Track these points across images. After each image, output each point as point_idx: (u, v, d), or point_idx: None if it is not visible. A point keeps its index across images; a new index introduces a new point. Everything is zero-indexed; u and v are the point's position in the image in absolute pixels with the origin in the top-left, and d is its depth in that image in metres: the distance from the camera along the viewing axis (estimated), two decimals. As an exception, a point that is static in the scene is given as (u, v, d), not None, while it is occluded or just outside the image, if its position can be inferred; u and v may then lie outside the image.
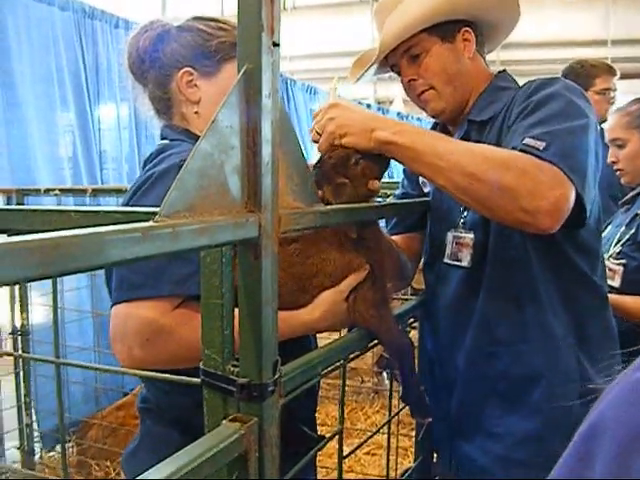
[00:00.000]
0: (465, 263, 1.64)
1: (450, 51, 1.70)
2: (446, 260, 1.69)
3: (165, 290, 1.22)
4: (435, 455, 1.96)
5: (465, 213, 1.65)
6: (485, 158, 1.34)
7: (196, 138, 1.51)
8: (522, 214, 1.31)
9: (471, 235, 1.63)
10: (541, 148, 1.34)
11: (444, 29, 1.69)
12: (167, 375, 1.07)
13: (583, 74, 3.46)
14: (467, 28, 1.72)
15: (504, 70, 1.82)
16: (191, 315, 1.21)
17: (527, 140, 1.37)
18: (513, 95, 1.65)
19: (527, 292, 1.58)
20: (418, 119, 13.01)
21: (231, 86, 1.52)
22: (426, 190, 1.86)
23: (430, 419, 1.50)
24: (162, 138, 1.58)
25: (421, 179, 1.88)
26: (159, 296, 1.21)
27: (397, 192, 2.06)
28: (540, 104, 1.49)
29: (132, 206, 1.31)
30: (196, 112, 1.55)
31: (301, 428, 1.39)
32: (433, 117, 1.76)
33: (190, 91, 1.54)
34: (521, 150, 1.36)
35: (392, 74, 1.84)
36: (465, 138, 1.67)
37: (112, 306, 1.27)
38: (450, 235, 1.68)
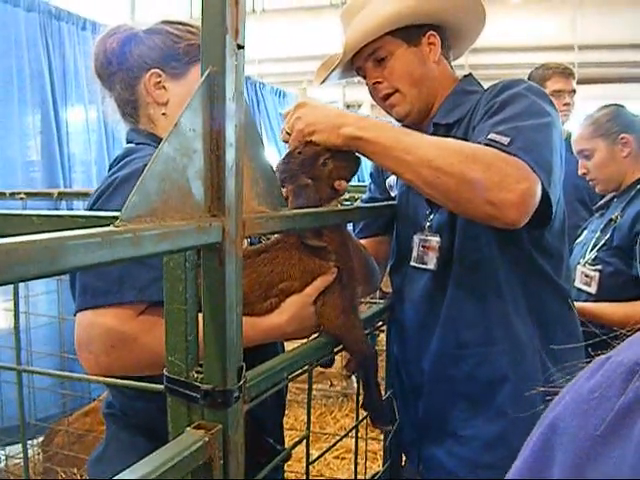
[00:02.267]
0: (431, 266, 1.65)
1: (415, 54, 1.71)
2: (412, 263, 1.70)
3: (128, 297, 1.21)
4: (404, 459, 1.96)
5: (431, 217, 1.66)
6: (451, 151, 1.35)
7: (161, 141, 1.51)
8: (488, 207, 1.31)
9: (437, 238, 1.63)
10: (506, 143, 1.36)
11: (409, 33, 1.70)
12: (130, 382, 1.06)
13: (537, 77, 3.49)
14: (432, 32, 1.72)
15: (469, 74, 1.84)
16: (155, 321, 1.20)
17: (492, 135, 1.39)
18: (479, 98, 1.65)
19: (492, 295, 1.59)
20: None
21: (197, 89, 1.53)
22: (393, 194, 1.86)
23: (390, 427, 1.50)
24: (128, 142, 1.57)
25: (388, 183, 1.89)
26: (122, 303, 1.20)
27: (364, 196, 2.08)
28: (505, 104, 1.50)
29: (96, 211, 1.29)
30: (164, 114, 1.54)
31: (265, 439, 1.37)
32: (398, 121, 1.77)
33: (158, 93, 1.53)
34: (486, 145, 1.37)
35: (359, 81, 1.85)
36: None
37: (76, 313, 1.26)
38: (416, 238, 1.69)
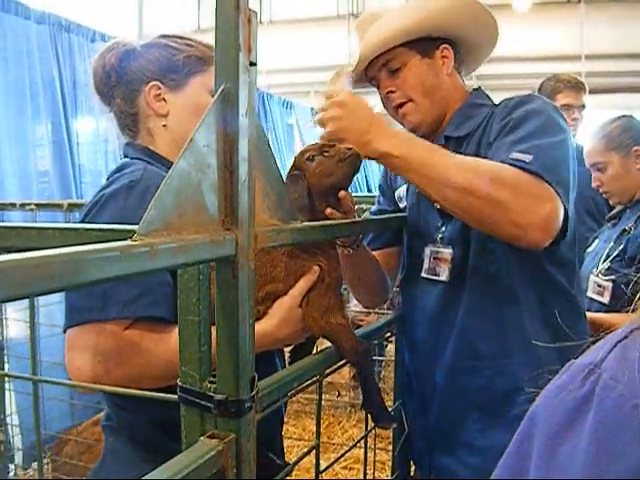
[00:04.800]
0: (443, 278, 1.65)
1: (428, 66, 1.73)
2: (424, 275, 1.70)
3: (112, 313, 1.23)
4: (413, 468, 1.96)
5: (443, 228, 1.67)
6: (477, 173, 1.37)
7: (156, 156, 1.53)
8: (514, 229, 1.33)
9: (449, 250, 1.64)
10: (527, 161, 1.37)
11: (423, 45, 1.73)
12: (143, 392, 1.07)
13: (549, 88, 3.49)
14: (446, 45, 1.75)
15: (479, 87, 1.86)
16: (141, 336, 1.23)
17: (514, 154, 1.41)
18: (490, 112, 1.69)
19: (508, 306, 1.59)
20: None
21: (198, 99, 1.55)
22: (402, 205, 1.87)
23: (394, 425, 1.50)
24: (124, 156, 1.59)
25: (397, 194, 1.89)
26: (107, 319, 1.22)
27: (373, 208, 2.08)
28: (521, 121, 1.52)
29: None
30: (164, 125, 1.57)
31: (264, 453, 1.38)
32: (411, 131, 1.77)
33: (158, 105, 1.56)
34: (510, 164, 1.39)
35: (368, 87, 1.86)
36: None
37: (64, 331, 1.29)
38: (428, 250, 1.69)
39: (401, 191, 1.87)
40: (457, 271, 1.64)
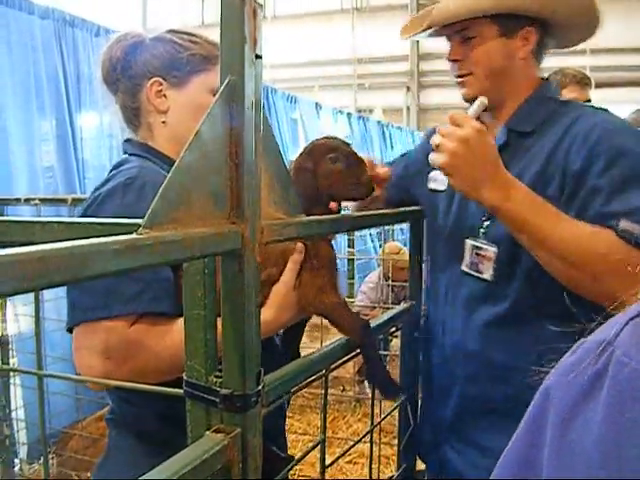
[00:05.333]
0: (487, 276, 1.60)
1: (504, 46, 1.62)
2: (464, 268, 1.66)
3: (116, 310, 1.23)
4: (422, 462, 1.95)
5: (487, 223, 1.61)
6: (587, 248, 1.34)
7: (154, 152, 1.54)
8: (601, 298, 1.30)
9: (494, 249, 1.58)
10: (637, 234, 1.32)
11: (507, 22, 1.60)
12: (148, 386, 1.07)
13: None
14: (531, 28, 1.62)
15: (548, 78, 1.77)
16: (147, 330, 1.24)
17: (623, 224, 1.34)
18: (553, 109, 1.62)
19: (554, 317, 1.48)
20: (399, 128, 13.08)
21: (198, 98, 1.55)
22: (432, 186, 1.80)
23: (403, 397, 1.47)
24: (124, 152, 1.60)
25: (432, 175, 1.80)
26: (111, 316, 1.23)
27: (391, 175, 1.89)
28: (612, 162, 1.43)
29: None
30: (164, 122, 1.57)
31: (269, 447, 1.38)
32: (465, 101, 1.68)
33: (159, 101, 1.56)
34: (619, 235, 1.34)
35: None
36: (504, 146, 1.62)
37: (69, 330, 1.31)
38: (469, 243, 1.64)
39: (437, 173, 1.78)
40: (502, 271, 1.58)
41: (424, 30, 1.69)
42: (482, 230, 1.63)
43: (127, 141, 1.62)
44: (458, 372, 1.69)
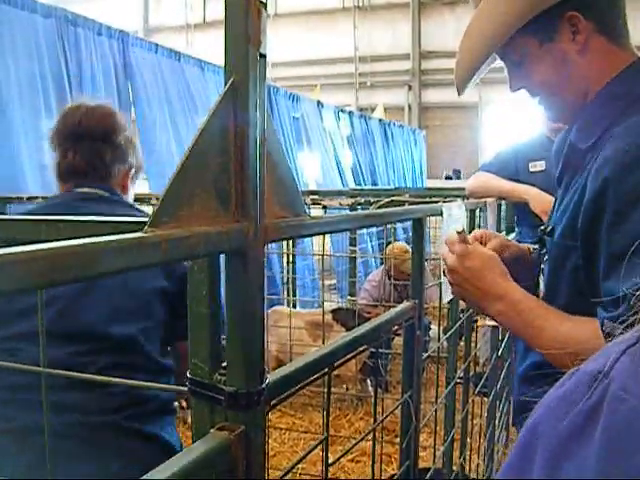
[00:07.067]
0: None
1: (551, 53, 1.40)
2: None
3: None
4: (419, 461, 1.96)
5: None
6: (574, 352, 1.33)
7: None
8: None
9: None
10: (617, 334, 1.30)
11: (539, 25, 1.37)
12: (149, 384, 1.08)
13: None
14: (573, 12, 1.34)
15: (633, 63, 1.41)
16: None
17: (607, 326, 1.20)
18: (622, 112, 1.32)
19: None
20: (400, 126, 13.09)
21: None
22: (533, 169, 1.83)
23: (406, 395, 1.53)
24: None
25: (530, 164, 1.83)
26: None
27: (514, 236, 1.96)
28: (618, 218, 1.20)
29: None
30: None
31: None
32: (554, 123, 1.64)
33: None
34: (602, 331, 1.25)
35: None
36: (566, 164, 1.53)
37: None
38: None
39: (538, 165, 1.79)
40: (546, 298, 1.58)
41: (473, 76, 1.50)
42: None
43: None
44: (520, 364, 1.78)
